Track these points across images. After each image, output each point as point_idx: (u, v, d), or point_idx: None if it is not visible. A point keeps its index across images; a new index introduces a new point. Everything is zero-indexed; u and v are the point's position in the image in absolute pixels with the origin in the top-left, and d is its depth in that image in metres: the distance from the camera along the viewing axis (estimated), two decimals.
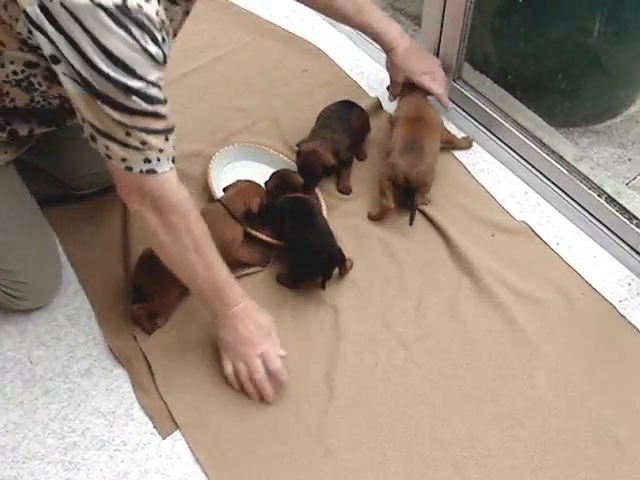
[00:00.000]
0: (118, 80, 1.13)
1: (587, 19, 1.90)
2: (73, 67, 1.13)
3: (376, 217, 1.83)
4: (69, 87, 1.18)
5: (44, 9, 1.08)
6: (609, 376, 1.57)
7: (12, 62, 1.27)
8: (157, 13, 1.14)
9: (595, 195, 1.79)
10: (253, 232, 1.74)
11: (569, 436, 1.48)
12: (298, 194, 1.75)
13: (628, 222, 1.74)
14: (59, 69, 1.16)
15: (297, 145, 1.93)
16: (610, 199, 1.79)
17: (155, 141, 1.25)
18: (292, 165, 1.91)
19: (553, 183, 1.88)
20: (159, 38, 1.15)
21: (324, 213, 1.80)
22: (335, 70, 2.25)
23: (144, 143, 1.24)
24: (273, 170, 1.89)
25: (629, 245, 1.75)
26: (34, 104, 1.40)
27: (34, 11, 1.09)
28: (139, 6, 1.10)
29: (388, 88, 1.99)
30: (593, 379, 1.56)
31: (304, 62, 2.27)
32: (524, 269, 1.74)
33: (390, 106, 2.04)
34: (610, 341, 1.63)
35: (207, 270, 1.43)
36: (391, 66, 1.90)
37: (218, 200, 1.71)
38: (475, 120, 2.03)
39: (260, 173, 1.87)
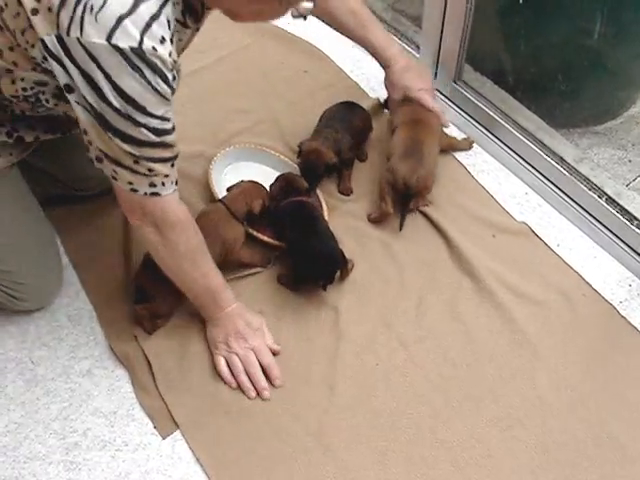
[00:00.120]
0: (129, 115, 1.17)
1: (587, 20, 1.90)
2: (86, 99, 1.17)
3: (375, 220, 1.83)
4: (81, 115, 1.22)
5: (61, 41, 1.11)
6: (609, 377, 1.57)
7: (22, 79, 1.29)
8: (170, 54, 1.16)
9: (595, 196, 1.80)
10: (255, 233, 1.74)
11: (569, 436, 1.48)
12: (301, 198, 1.75)
13: (628, 223, 1.75)
14: (72, 98, 1.20)
15: (298, 145, 1.93)
16: (610, 200, 1.79)
17: (161, 168, 1.29)
18: (293, 166, 1.91)
19: (553, 184, 1.88)
20: (169, 77, 1.18)
21: (325, 214, 1.80)
22: (336, 71, 2.26)
23: (151, 170, 1.28)
24: (274, 171, 1.89)
25: (629, 246, 1.75)
26: (40, 110, 1.41)
27: (51, 41, 1.12)
28: (154, 49, 1.12)
29: (386, 104, 2.01)
30: (593, 380, 1.56)
31: (305, 63, 2.28)
32: (525, 270, 1.74)
33: None
34: (611, 342, 1.64)
35: (203, 278, 1.51)
36: (389, 83, 1.91)
37: (220, 200, 1.72)
38: (475, 121, 2.03)
39: (261, 174, 1.88)
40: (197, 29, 1.38)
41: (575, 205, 1.84)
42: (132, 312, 1.64)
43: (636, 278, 1.74)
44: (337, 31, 1.90)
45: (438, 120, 1.90)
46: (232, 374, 1.56)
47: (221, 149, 1.93)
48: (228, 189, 1.78)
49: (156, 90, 1.16)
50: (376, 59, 1.89)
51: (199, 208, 1.79)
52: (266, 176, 1.85)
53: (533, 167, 1.92)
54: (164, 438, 1.51)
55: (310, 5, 1.28)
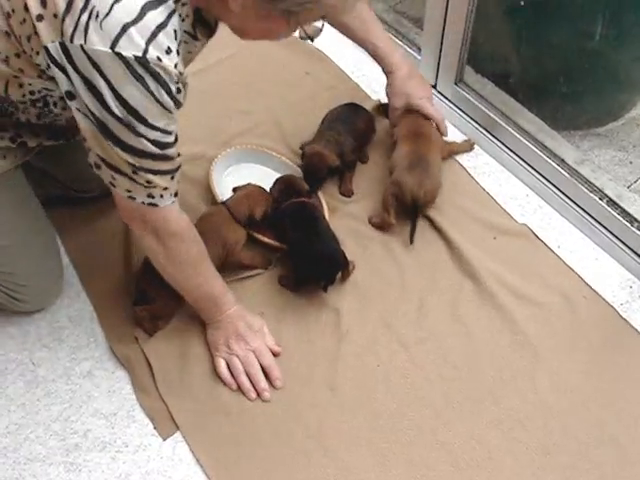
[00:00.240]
0: (130, 125, 1.16)
1: (588, 22, 1.90)
2: (87, 107, 1.16)
3: (376, 225, 1.83)
4: (82, 122, 1.21)
5: (64, 48, 1.10)
6: (610, 379, 1.57)
7: (30, 83, 1.28)
8: (176, 66, 1.14)
9: (596, 198, 1.80)
10: (255, 235, 1.74)
11: (570, 438, 1.48)
12: (303, 199, 1.75)
13: (629, 225, 1.75)
14: (74, 105, 1.19)
15: (300, 148, 1.93)
16: (611, 202, 1.79)
17: (160, 181, 1.29)
18: (294, 168, 1.91)
19: (554, 186, 1.88)
20: (174, 89, 1.17)
21: (326, 215, 1.80)
22: (337, 73, 2.26)
23: (149, 182, 1.27)
24: (275, 173, 1.89)
25: (630, 248, 1.75)
26: (45, 120, 1.42)
27: (55, 48, 1.11)
28: (158, 59, 1.11)
29: (385, 112, 1.99)
30: (594, 382, 1.56)
31: (306, 65, 2.28)
32: (525, 272, 1.74)
33: None
34: (611, 344, 1.63)
35: (203, 284, 1.52)
36: (391, 89, 1.89)
37: (223, 203, 1.72)
38: (477, 123, 2.03)
39: (262, 176, 1.88)
40: (206, 42, 1.37)
41: (576, 207, 1.84)
42: (132, 313, 1.64)
43: (637, 280, 1.74)
44: (340, 32, 1.90)
45: (438, 131, 1.90)
46: (232, 376, 1.56)
47: (222, 150, 1.93)
48: (234, 189, 1.78)
49: (158, 101, 1.15)
50: (379, 64, 1.88)
51: (200, 209, 1.80)
52: (267, 178, 1.85)
53: (534, 169, 1.92)
54: (164, 439, 1.51)
55: (319, 26, 1.27)
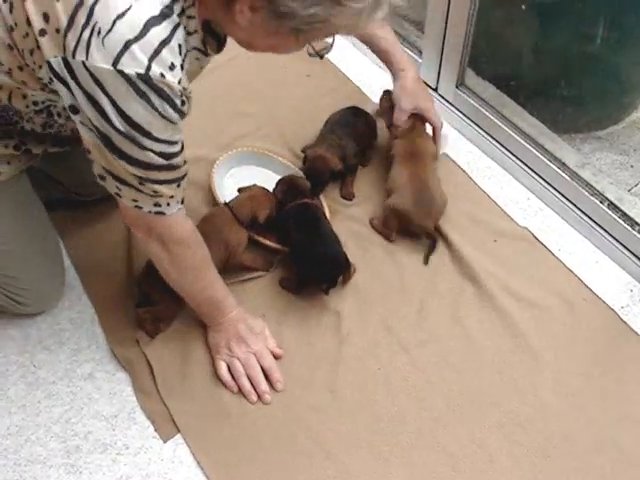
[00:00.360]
0: (134, 139, 1.15)
1: (590, 26, 1.90)
2: (91, 121, 1.15)
3: (377, 229, 1.83)
4: (85, 135, 1.20)
5: (67, 64, 1.09)
6: (610, 382, 1.57)
7: (33, 94, 1.28)
8: (179, 82, 1.13)
9: (597, 201, 1.80)
10: (257, 237, 1.74)
11: (571, 441, 1.48)
12: (306, 200, 1.75)
13: (630, 229, 1.75)
14: (77, 118, 1.18)
15: (302, 151, 1.94)
16: (612, 205, 1.79)
17: (167, 190, 1.28)
18: (295, 170, 1.91)
19: (555, 189, 1.88)
20: (178, 103, 1.15)
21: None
22: (338, 76, 2.26)
23: (156, 192, 1.27)
24: (276, 175, 1.90)
25: (631, 251, 1.75)
26: (50, 130, 1.41)
27: (57, 63, 1.10)
28: (162, 75, 1.09)
29: (389, 127, 1.92)
30: (594, 385, 1.56)
31: (307, 68, 2.28)
32: (526, 275, 1.74)
33: None
34: (612, 347, 1.64)
35: (205, 289, 1.52)
36: (402, 91, 1.84)
37: (227, 204, 1.72)
38: (478, 126, 2.04)
39: (263, 178, 1.88)
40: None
41: (577, 210, 1.84)
42: (134, 315, 1.65)
43: (637, 283, 1.74)
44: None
45: (433, 147, 1.89)
46: (233, 378, 1.56)
47: (224, 153, 1.93)
48: (239, 190, 1.78)
49: (162, 115, 1.14)
50: (389, 62, 1.84)
51: (201, 211, 1.80)
52: (268, 180, 1.85)
53: (535, 172, 1.92)
54: (165, 442, 1.51)
55: (328, 43, 1.26)
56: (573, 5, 1.91)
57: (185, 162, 1.30)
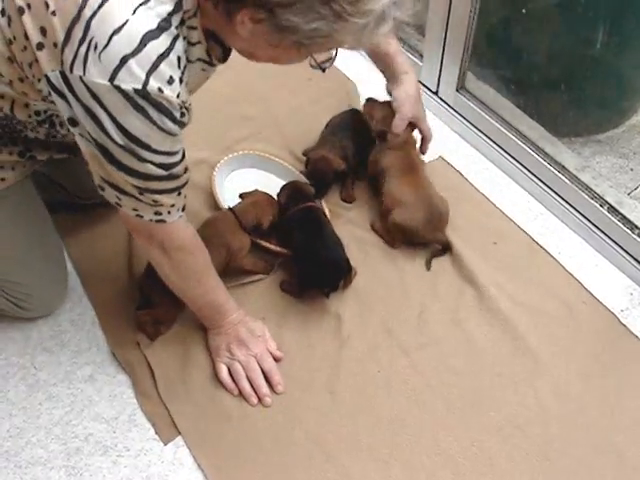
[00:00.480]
0: (133, 152, 1.14)
1: (590, 30, 1.91)
2: (89, 133, 1.14)
3: (379, 232, 1.83)
4: (84, 147, 1.19)
5: (65, 77, 1.08)
6: (610, 385, 1.57)
7: (35, 104, 1.27)
8: (178, 95, 1.11)
9: (597, 205, 1.80)
10: (259, 241, 1.74)
11: (570, 444, 1.48)
12: (310, 204, 1.76)
13: (630, 232, 1.75)
14: (76, 130, 1.17)
15: (303, 154, 1.94)
16: (612, 209, 1.80)
17: (167, 199, 1.27)
18: (296, 173, 1.92)
19: (555, 192, 1.89)
20: (177, 116, 1.14)
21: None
22: (340, 79, 2.27)
23: (156, 201, 1.26)
24: (277, 178, 1.90)
25: (631, 255, 1.76)
26: (54, 139, 1.41)
27: (55, 77, 1.09)
28: (159, 90, 1.08)
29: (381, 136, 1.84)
30: (594, 388, 1.56)
31: (308, 71, 2.26)
32: (526, 278, 1.75)
33: None
34: (611, 350, 1.64)
35: (206, 293, 1.52)
36: (406, 96, 1.77)
37: (230, 209, 1.72)
38: (478, 129, 2.04)
39: (264, 181, 1.88)
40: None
41: (577, 213, 1.85)
42: (135, 317, 1.65)
43: (637, 287, 1.75)
44: None
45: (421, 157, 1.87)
46: (234, 381, 1.56)
47: (225, 156, 1.93)
48: (241, 195, 1.78)
49: (161, 129, 1.13)
50: (389, 66, 1.77)
51: (202, 214, 1.80)
52: (269, 183, 1.86)
53: (535, 175, 1.93)
54: (166, 444, 1.51)
55: (331, 55, 1.24)
56: (573, 9, 1.92)
57: (186, 170, 1.29)
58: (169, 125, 1.13)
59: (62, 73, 1.08)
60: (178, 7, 1.08)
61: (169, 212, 1.31)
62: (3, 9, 1.11)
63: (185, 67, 1.14)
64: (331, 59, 1.27)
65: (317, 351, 1.63)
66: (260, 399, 1.54)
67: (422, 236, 1.75)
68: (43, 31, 1.07)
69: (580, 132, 2.12)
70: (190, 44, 1.16)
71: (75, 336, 1.68)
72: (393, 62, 1.77)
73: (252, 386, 1.55)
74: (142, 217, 1.30)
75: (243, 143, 2.04)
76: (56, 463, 1.50)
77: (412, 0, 1.07)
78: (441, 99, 2.12)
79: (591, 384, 1.57)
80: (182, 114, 1.16)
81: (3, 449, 1.52)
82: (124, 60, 1.04)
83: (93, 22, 1.03)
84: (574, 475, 1.44)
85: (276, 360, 1.59)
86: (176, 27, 1.09)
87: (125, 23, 1.03)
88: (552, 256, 1.79)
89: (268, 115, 2.14)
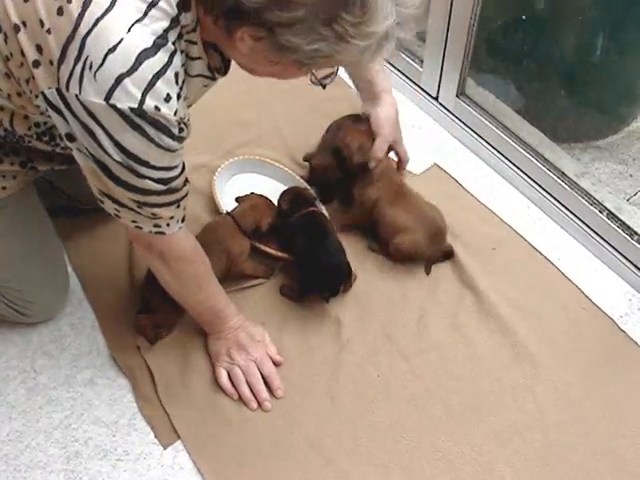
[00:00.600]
0: (132, 168, 1.13)
1: (590, 36, 1.91)
2: (87, 149, 1.13)
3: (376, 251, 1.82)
4: (82, 162, 1.18)
5: (61, 95, 1.07)
6: (609, 391, 1.57)
7: (34, 116, 1.26)
8: (176, 113, 1.09)
9: (596, 211, 1.81)
10: (258, 245, 1.74)
11: (569, 450, 1.49)
12: (313, 209, 1.76)
13: (629, 238, 1.75)
14: (73, 145, 1.16)
15: (304, 159, 1.94)
16: (611, 215, 1.80)
17: (166, 212, 1.27)
18: (296, 178, 1.92)
19: (554, 198, 1.89)
20: (175, 132, 1.12)
21: None
22: (340, 84, 2.26)
23: (154, 214, 1.25)
24: (277, 183, 1.90)
25: (630, 261, 1.76)
26: (55, 148, 1.40)
27: (52, 94, 1.08)
28: (156, 108, 1.06)
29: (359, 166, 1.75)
30: (593, 394, 1.57)
31: (309, 75, 2.28)
32: (525, 283, 1.75)
33: None
34: (610, 356, 1.64)
35: (207, 300, 1.52)
36: (385, 118, 1.71)
37: (229, 214, 1.72)
38: (478, 135, 2.04)
39: (265, 186, 1.89)
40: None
41: (576, 219, 1.85)
42: (135, 321, 1.65)
43: (636, 292, 1.75)
44: None
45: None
46: (234, 386, 1.56)
47: (225, 160, 1.93)
48: (237, 199, 1.78)
49: (160, 145, 1.11)
50: (369, 85, 1.71)
51: (203, 218, 1.81)
52: (270, 188, 1.86)
53: (534, 181, 1.93)
54: (165, 448, 1.51)
55: (332, 71, 1.23)
56: (573, 15, 1.92)
57: (186, 183, 1.28)
58: (167, 141, 1.12)
59: (59, 90, 1.06)
60: (175, 23, 1.06)
61: (168, 224, 1.30)
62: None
63: (184, 82, 1.13)
64: (332, 75, 1.25)
65: (317, 356, 1.63)
66: (260, 404, 1.55)
67: (427, 254, 1.75)
68: (39, 49, 1.06)
69: (580, 138, 2.12)
70: (190, 59, 1.15)
71: (75, 340, 1.69)
72: (374, 81, 1.71)
73: (252, 391, 1.55)
74: (141, 228, 1.29)
75: (243, 148, 2.04)
76: (55, 467, 1.50)
77: (415, 20, 1.05)
78: (441, 105, 2.13)
79: (590, 389, 1.57)
80: (181, 129, 1.14)
81: (2, 453, 1.52)
82: (119, 79, 1.02)
83: (88, 40, 1.01)
84: None
85: (276, 365, 1.59)
86: (173, 42, 1.07)
87: (120, 42, 1.01)
88: (551, 262, 1.80)
89: (269, 120, 2.15)
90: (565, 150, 1.99)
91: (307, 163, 1.95)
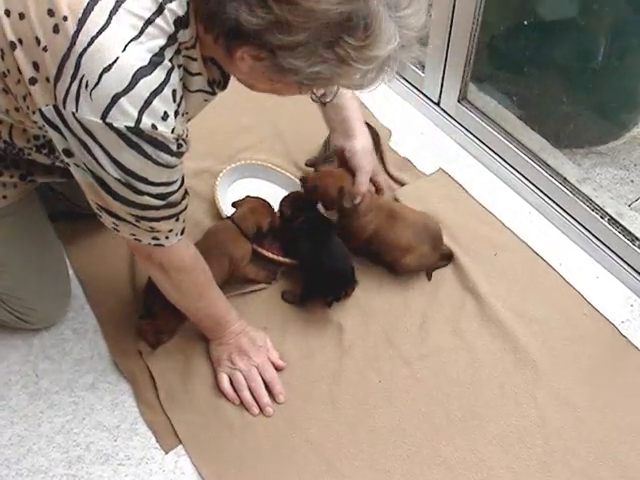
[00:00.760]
0: (130, 184, 1.13)
1: (591, 42, 1.92)
2: (85, 165, 1.12)
3: None
4: (80, 177, 1.18)
5: (58, 112, 1.06)
6: (611, 397, 1.57)
7: (33, 129, 1.26)
8: (173, 130, 1.09)
9: (598, 216, 1.81)
10: (259, 250, 1.74)
11: (571, 456, 1.48)
12: (317, 213, 1.76)
13: (630, 244, 1.75)
14: (71, 161, 1.15)
15: (306, 164, 1.94)
16: (612, 220, 1.80)
17: (165, 226, 1.26)
18: (299, 183, 1.92)
19: (556, 204, 1.89)
20: (173, 148, 1.12)
21: None
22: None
23: (153, 228, 1.25)
24: (279, 188, 1.90)
25: (631, 266, 1.76)
26: (55, 160, 1.40)
27: (49, 111, 1.07)
28: (153, 126, 1.05)
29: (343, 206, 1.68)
30: (595, 399, 1.57)
31: None
32: (526, 289, 1.75)
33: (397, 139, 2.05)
34: (612, 362, 1.64)
35: (208, 307, 1.53)
36: (362, 149, 1.67)
37: (229, 218, 1.72)
38: (479, 140, 2.05)
39: (266, 191, 1.89)
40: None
41: (577, 225, 1.85)
42: (136, 326, 1.65)
43: (638, 298, 1.75)
44: None
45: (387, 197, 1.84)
46: (235, 391, 1.56)
47: (227, 165, 1.93)
48: (234, 204, 1.78)
49: (157, 162, 1.11)
50: (347, 114, 1.66)
51: (205, 223, 1.81)
52: (272, 192, 1.86)
53: (536, 186, 1.93)
54: (167, 453, 1.52)
55: (332, 89, 1.22)
56: (575, 21, 1.93)
57: (185, 196, 1.27)
58: (165, 158, 1.11)
59: (56, 107, 1.06)
60: (172, 40, 1.05)
61: (167, 237, 1.29)
62: None
63: (182, 98, 1.12)
64: (332, 92, 1.25)
65: (318, 361, 1.63)
66: (261, 409, 1.55)
67: (432, 262, 1.76)
68: (35, 66, 1.05)
69: (581, 144, 2.12)
70: (190, 74, 1.14)
71: (77, 344, 1.69)
72: (349, 111, 1.67)
73: (253, 396, 1.55)
74: (140, 241, 1.29)
75: (245, 153, 2.04)
76: (57, 471, 1.50)
77: (419, 42, 1.04)
78: (443, 110, 2.13)
79: (592, 395, 1.57)
80: (179, 145, 1.13)
81: (4, 457, 1.52)
82: (115, 99, 1.01)
83: (83, 59, 1.01)
84: None
85: (278, 370, 1.59)
86: (170, 59, 1.06)
87: (115, 60, 1.01)
88: (553, 267, 1.80)
89: (270, 125, 2.15)
90: (566, 155, 1.99)
91: (309, 168, 1.95)
